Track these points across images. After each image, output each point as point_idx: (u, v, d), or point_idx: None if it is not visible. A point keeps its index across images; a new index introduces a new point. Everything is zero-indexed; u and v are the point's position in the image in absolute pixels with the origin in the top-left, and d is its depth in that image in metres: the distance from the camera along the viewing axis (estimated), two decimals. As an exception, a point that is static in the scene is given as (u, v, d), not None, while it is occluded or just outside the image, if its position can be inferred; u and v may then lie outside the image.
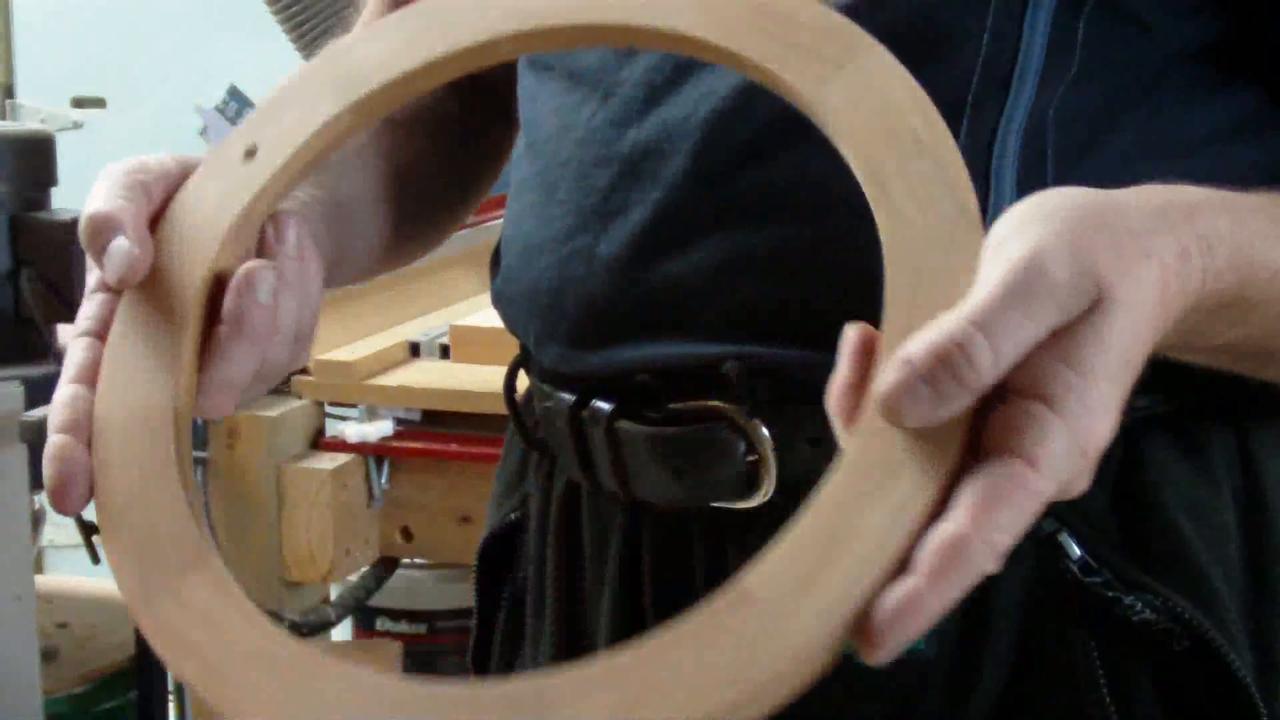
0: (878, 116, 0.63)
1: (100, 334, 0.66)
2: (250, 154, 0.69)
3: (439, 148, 0.96)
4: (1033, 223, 0.56)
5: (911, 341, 0.53)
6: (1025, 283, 0.53)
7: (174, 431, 0.63)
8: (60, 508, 0.62)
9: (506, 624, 0.93)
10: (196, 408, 0.66)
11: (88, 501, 0.63)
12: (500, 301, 0.88)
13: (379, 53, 0.71)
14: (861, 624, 0.51)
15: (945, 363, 0.52)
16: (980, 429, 0.54)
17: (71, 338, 0.67)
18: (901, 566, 0.52)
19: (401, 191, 0.91)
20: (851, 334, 0.56)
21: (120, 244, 0.66)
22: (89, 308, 0.67)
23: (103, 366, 0.65)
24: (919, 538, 0.52)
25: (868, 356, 0.55)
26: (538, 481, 0.89)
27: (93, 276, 0.68)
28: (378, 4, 0.97)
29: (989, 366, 0.52)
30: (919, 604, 0.51)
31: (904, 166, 0.61)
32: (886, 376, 0.53)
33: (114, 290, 0.67)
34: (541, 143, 0.84)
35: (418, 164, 0.94)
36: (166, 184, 0.69)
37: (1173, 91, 0.76)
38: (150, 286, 0.67)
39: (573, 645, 0.86)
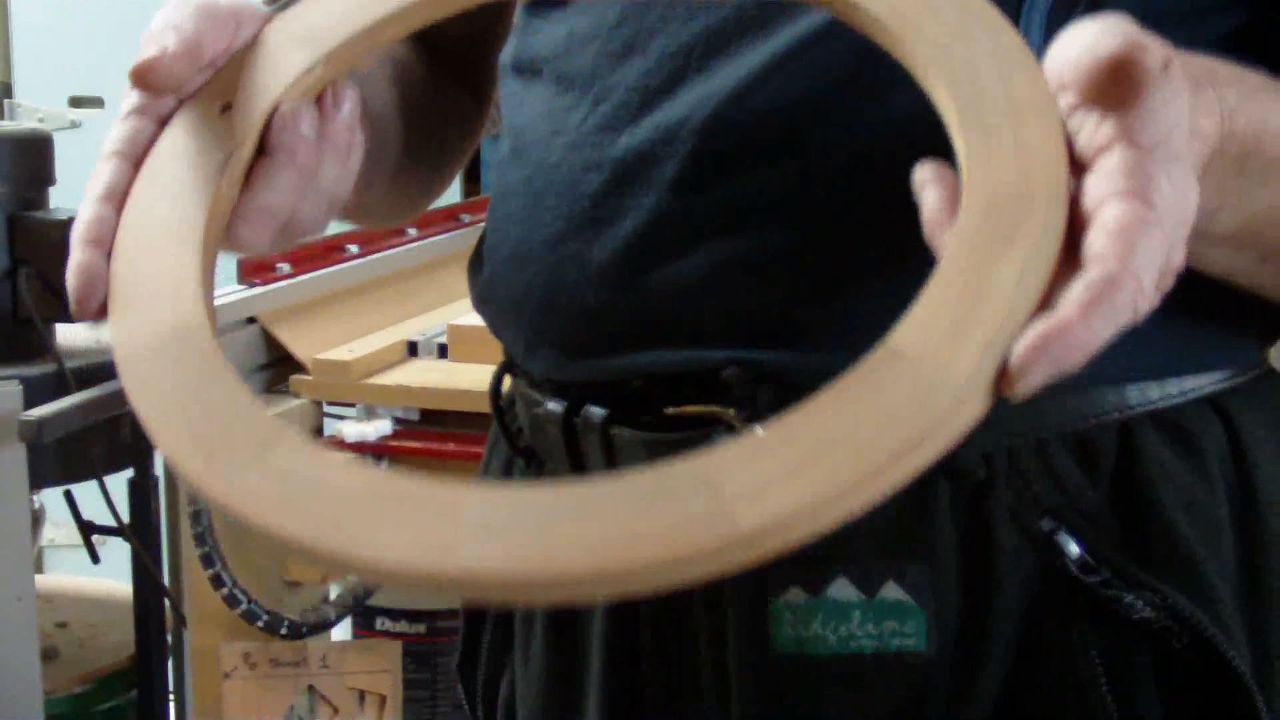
0: None
1: (127, 155, 0.67)
2: (225, 109, 0.69)
3: (431, 85, 0.97)
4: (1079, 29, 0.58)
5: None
6: (1123, 31, 0.56)
7: (201, 252, 0.63)
8: (82, 316, 0.63)
9: (494, 631, 0.93)
10: (229, 238, 0.66)
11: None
12: (485, 306, 0.88)
13: (336, 9, 0.71)
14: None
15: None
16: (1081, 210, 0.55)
17: (100, 159, 0.67)
18: (1045, 305, 0.52)
19: (409, 112, 0.91)
20: (927, 169, 0.57)
21: (169, 42, 0.67)
22: (120, 129, 0.68)
23: (135, 186, 0.66)
24: (1056, 275, 0.53)
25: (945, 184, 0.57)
26: (523, 489, 0.88)
27: (128, 100, 0.69)
28: None
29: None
30: (1067, 332, 0.51)
31: (928, 3, 0.62)
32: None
33: (147, 116, 0.68)
34: (528, 147, 0.83)
35: (421, 92, 0.95)
36: (234, 23, 0.70)
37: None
38: (203, 114, 0.68)
39: (564, 652, 0.85)
